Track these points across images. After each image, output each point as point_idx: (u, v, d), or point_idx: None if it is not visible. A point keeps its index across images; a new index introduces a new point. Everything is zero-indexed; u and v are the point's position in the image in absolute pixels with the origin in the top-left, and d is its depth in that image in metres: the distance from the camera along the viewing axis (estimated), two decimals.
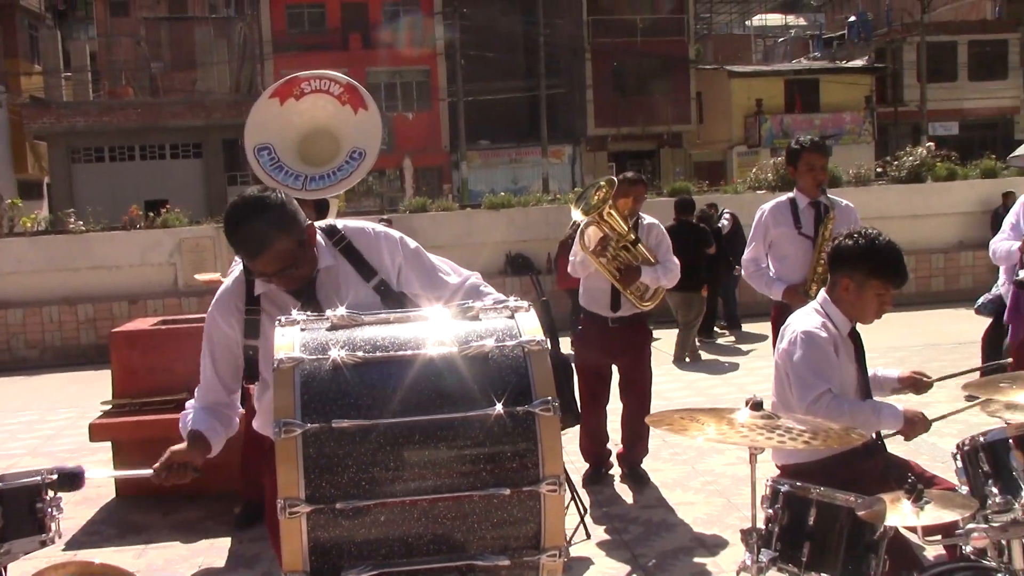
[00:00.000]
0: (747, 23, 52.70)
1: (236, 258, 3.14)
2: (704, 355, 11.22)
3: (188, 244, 13.79)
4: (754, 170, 16.48)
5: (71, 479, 2.87)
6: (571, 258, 6.05)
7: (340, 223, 3.07)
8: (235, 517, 5.72)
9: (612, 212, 5.78)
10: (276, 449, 2.19)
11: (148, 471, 2.90)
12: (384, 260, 2.98)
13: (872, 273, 3.50)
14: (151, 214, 14.65)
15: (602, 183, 5.87)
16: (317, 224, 3.01)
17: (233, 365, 2.99)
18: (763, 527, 2.91)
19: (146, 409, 6.18)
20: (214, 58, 40.53)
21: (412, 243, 3.08)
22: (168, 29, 44.12)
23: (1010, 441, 2.98)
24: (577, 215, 5.84)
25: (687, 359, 10.89)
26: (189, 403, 3.11)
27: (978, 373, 6.52)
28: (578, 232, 5.87)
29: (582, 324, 6.22)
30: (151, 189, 30.88)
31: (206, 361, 3.02)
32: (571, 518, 5.21)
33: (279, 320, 2.47)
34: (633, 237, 5.89)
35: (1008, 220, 5.46)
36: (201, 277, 10.68)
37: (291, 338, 2.39)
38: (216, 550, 5.39)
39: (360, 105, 4.93)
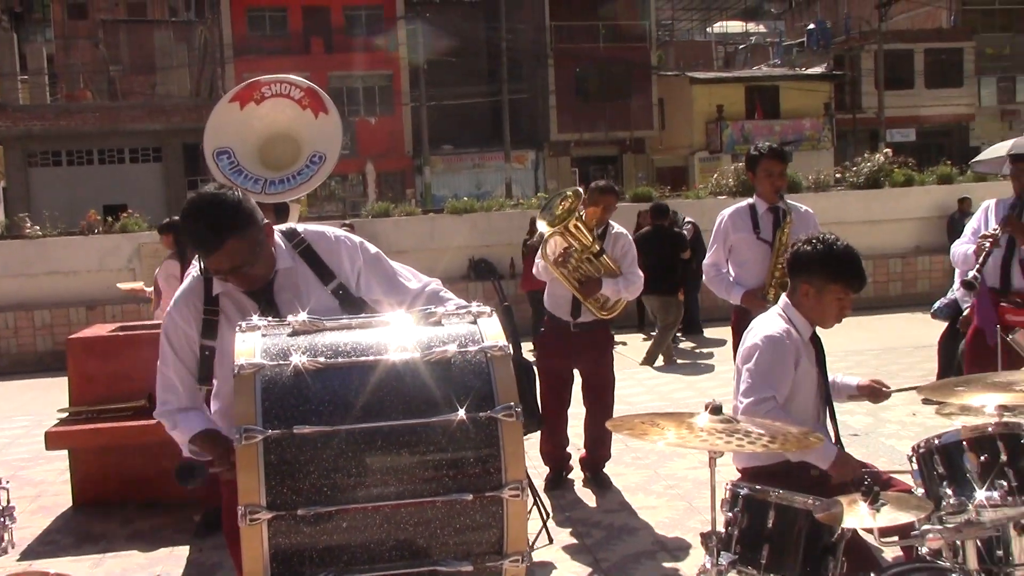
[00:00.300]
0: (708, 30, 53.15)
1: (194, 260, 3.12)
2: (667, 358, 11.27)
3: (147, 249, 13.63)
4: (715, 176, 16.62)
5: (191, 471, 2.76)
6: (536, 262, 6.07)
7: (300, 227, 3.07)
8: (195, 525, 5.67)
9: (578, 224, 5.79)
10: (237, 455, 2.18)
11: (223, 470, 2.81)
12: (343, 264, 2.99)
13: (831, 278, 3.54)
14: (110, 219, 14.49)
15: (568, 193, 5.88)
16: (277, 227, 3.00)
17: (197, 363, 2.96)
18: (723, 530, 2.94)
19: (104, 417, 6.08)
20: (174, 62, 40.18)
21: (372, 248, 3.08)
22: (127, 32, 43.60)
23: (964, 443, 3.02)
24: (543, 227, 5.85)
25: (662, 362, 10.94)
26: (160, 413, 3.00)
27: (936, 370, 6.66)
28: (542, 242, 5.88)
29: (545, 327, 6.24)
30: (110, 194, 30.52)
31: (173, 364, 2.96)
32: (534, 523, 5.23)
33: (240, 325, 2.46)
34: (597, 249, 5.89)
35: (971, 225, 5.54)
36: (124, 286, 10.58)
37: (252, 344, 2.37)
38: (175, 559, 5.33)
39: (320, 109, 4.93)
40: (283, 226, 3.06)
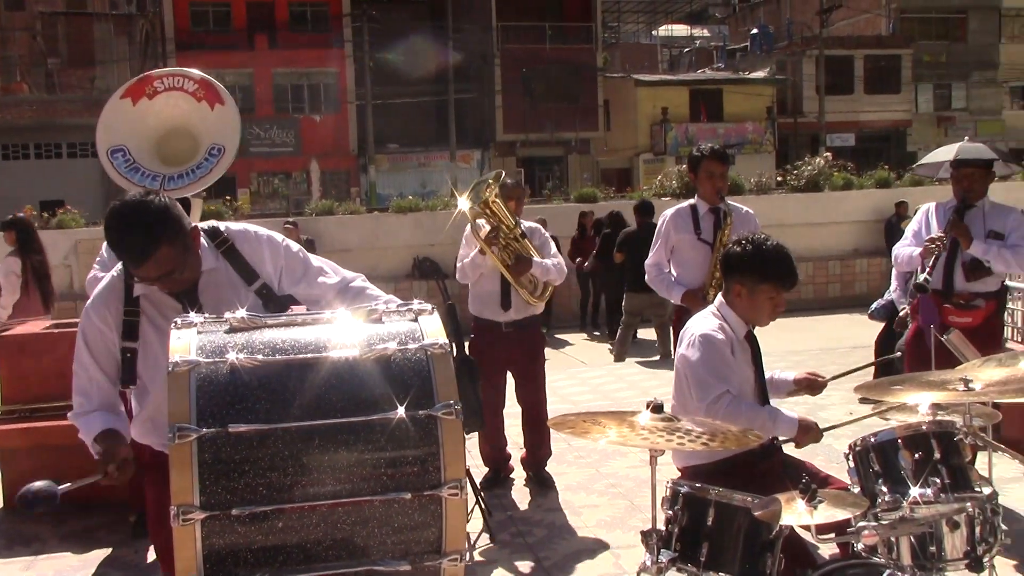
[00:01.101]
0: (653, 33, 53.55)
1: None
2: (609, 357, 11.34)
3: (85, 246, 13.35)
4: (659, 177, 16.76)
5: (47, 499, 2.67)
6: (458, 264, 6.04)
7: (223, 225, 3.03)
8: (131, 526, 5.56)
9: (498, 202, 5.81)
10: (170, 454, 2.14)
11: (97, 476, 2.77)
12: (266, 264, 2.96)
13: (762, 278, 3.59)
14: (46, 215, 14.18)
15: (490, 179, 5.90)
16: (200, 225, 2.96)
17: (114, 364, 2.90)
18: (663, 528, 2.95)
19: (37, 416, 5.94)
20: (114, 55, 39.41)
21: (295, 246, 3.06)
22: (66, 24, 42.69)
23: (899, 441, 3.07)
24: (464, 203, 5.84)
25: (615, 360, 11.03)
26: (73, 415, 2.97)
27: (872, 369, 6.76)
28: (469, 225, 5.87)
29: (475, 332, 6.19)
30: (47, 189, 29.83)
31: (87, 363, 2.92)
32: (476, 522, 5.21)
33: (175, 322, 2.41)
34: (520, 232, 5.91)
35: (911, 227, 5.64)
36: None
37: (187, 340, 2.33)
38: (111, 560, 5.22)
39: (216, 101, 4.84)
40: (205, 224, 3.02)
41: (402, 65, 34.91)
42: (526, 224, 6.10)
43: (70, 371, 6.05)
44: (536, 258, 5.90)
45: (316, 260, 3.06)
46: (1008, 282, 6.42)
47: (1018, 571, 4.40)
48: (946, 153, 5.68)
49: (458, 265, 6.05)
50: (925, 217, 5.56)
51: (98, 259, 5.47)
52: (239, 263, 2.92)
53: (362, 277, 3.08)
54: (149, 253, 2.68)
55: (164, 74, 4.99)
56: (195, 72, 4.95)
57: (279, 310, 2.83)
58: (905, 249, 5.52)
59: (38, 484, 2.64)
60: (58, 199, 20.49)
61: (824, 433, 3.59)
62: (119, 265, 2.91)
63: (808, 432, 3.51)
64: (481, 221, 5.82)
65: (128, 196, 2.77)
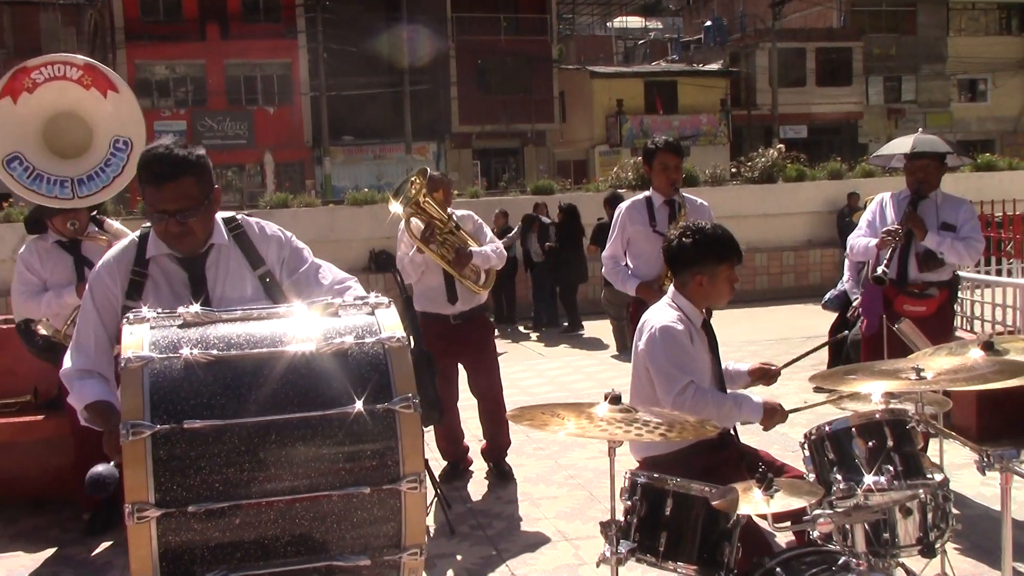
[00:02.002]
0: (608, 24, 53.69)
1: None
2: (567, 349, 11.37)
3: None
4: (615, 169, 16.81)
5: (101, 482, 2.58)
6: (398, 265, 6.02)
7: (237, 215, 3.13)
8: (84, 524, 5.47)
9: (429, 200, 5.81)
10: (124, 452, 2.11)
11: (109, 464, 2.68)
12: (271, 254, 3.04)
13: (719, 260, 3.64)
14: None
15: (414, 177, 5.91)
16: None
17: (117, 323, 2.84)
18: (622, 519, 2.96)
19: None
20: (62, 46, 38.61)
21: (301, 244, 3.15)
22: (11, 14, 41.81)
23: (852, 430, 3.10)
24: (396, 207, 5.83)
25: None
26: (66, 370, 2.90)
27: (826, 355, 6.85)
28: (402, 225, 5.86)
29: (423, 327, 6.13)
30: None
31: (92, 322, 2.90)
32: (436, 515, 5.20)
33: (127, 317, 2.39)
34: (454, 224, 5.92)
35: (865, 217, 5.71)
36: None
37: (140, 336, 2.30)
38: (63, 559, 5.14)
39: (108, 87, 4.52)
40: (223, 213, 3.07)
41: (356, 56, 34.63)
42: (458, 213, 6.11)
43: (20, 367, 5.97)
44: (474, 248, 5.90)
45: (317, 260, 3.13)
46: (959, 272, 6.52)
47: (968, 555, 4.48)
48: (902, 145, 5.75)
49: (398, 266, 6.03)
50: (880, 208, 5.63)
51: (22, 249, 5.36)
52: (247, 247, 3.00)
53: (354, 279, 3.12)
54: (177, 175, 2.77)
55: (41, 63, 4.61)
56: (78, 57, 4.65)
57: (279, 300, 2.89)
58: (861, 240, 5.59)
59: (102, 468, 2.57)
60: (3, 192, 20.07)
61: (789, 415, 3.64)
62: (133, 235, 2.98)
63: (774, 414, 3.55)
64: (415, 220, 5.81)
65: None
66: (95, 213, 5.49)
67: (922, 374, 3.02)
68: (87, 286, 2.99)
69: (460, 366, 6.20)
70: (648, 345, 3.62)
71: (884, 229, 5.38)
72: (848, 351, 6.00)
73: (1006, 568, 2.93)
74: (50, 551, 5.25)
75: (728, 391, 3.77)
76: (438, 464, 6.14)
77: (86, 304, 2.94)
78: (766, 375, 3.93)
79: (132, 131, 4.58)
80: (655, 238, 5.83)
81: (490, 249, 5.99)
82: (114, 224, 5.65)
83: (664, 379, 3.53)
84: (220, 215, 3.03)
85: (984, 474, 2.87)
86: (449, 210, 6.04)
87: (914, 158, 5.47)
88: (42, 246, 5.48)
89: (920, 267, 5.40)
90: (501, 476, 6.16)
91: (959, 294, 7.94)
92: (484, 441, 6.32)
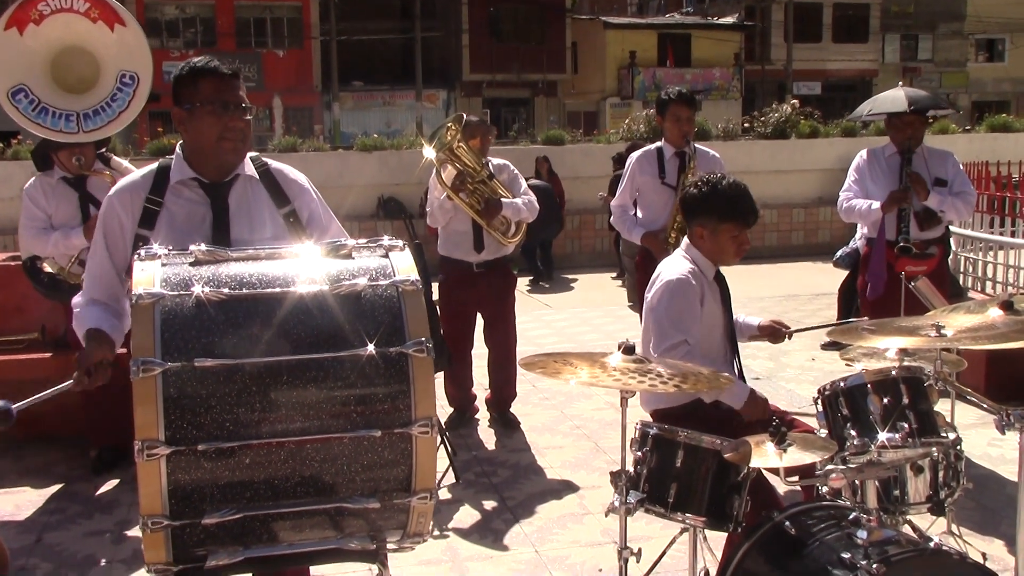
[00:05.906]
0: None
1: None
2: (574, 300, 11.35)
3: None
4: (627, 121, 16.64)
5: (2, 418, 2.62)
6: (427, 208, 5.96)
7: (265, 158, 3.09)
8: (91, 462, 5.50)
9: (463, 147, 5.72)
10: (134, 389, 2.08)
11: (68, 383, 2.69)
12: (297, 195, 2.99)
13: (722, 217, 3.58)
14: (1, 145, 13.80)
15: (450, 123, 5.79)
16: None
17: (126, 255, 2.83)
18: (631, 469, 2.95)
19: None
20: None
21: (321, 197, 3.10)
22: None
23: (868, 386, 3.08)
24: (429, 152, 5.74)
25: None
26: (76, 300, 2.91)
27: (835, 312, 6.82)
28: (434, 172, 5.78)
29: (444, 273, 6.12)
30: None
31: (100, 253, 2.88)
32: (440, 461, 5.20)
33: (139, 253, 2.35)
34: (487, 173, 5.83)
35: (851, 176, 5.59)
36: None
37: (151, 272, 2.26)
38: (70, 495, 5.17)
39: (115, 20, 4.42)
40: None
41: (368, 0, 34.23)
42: (495, 162, 6.02)
43: (28, 304, 5.94)
44: (505, 199, 5.83)
45: (335, 220, 3.11)
46: (953, 228, 6.49)
47: (973, 514, 4.49)
48: (892, 100, 5.64)
49: (427, 209, 5.97)
50: (865, 166, 5.52)
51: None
52: (272, 186, 2.95)
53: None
54: (237, 74, 2.84)
55: None
56: None
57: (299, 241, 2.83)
58: (859, 202, 5.43)
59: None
60: (12, 130, 19.96)
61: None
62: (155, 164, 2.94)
63: (756, 405, 3.48)
64: (447, 168, 5.74)
65: None
66: (102, 150, 5.44)
67: (943, 332, 2.98)
68: (99, 215, 2.95)
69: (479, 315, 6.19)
70: (655, 297, 3.61)
71: (892, 192, 5.30)
72: (859, 309, 5.96)
73: (1021, 528, 2.91)
74: (57, 487, 5.29)
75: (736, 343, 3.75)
76: (444, 412, 6.15)
77: (97, 234, 2.90)
78: (775, 334, 3.89)
79: (139, 66, 4.50)
80: (663, 189, 5.79)
81: (522, 202, 5.91)
82: (122, 163, 5.60)
83: (658, 331, 3.52)
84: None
85: (1004, 433, 2.84)
86: (487, 159, 5.97)
87: (915, 113, 5.39)
88: (47, 182, 5.45)
89: (920, 226, 5.35)
90: (506, 425, 6.17)
91: (969, 255, 7.91)
92: (489, 391, 6.32)
